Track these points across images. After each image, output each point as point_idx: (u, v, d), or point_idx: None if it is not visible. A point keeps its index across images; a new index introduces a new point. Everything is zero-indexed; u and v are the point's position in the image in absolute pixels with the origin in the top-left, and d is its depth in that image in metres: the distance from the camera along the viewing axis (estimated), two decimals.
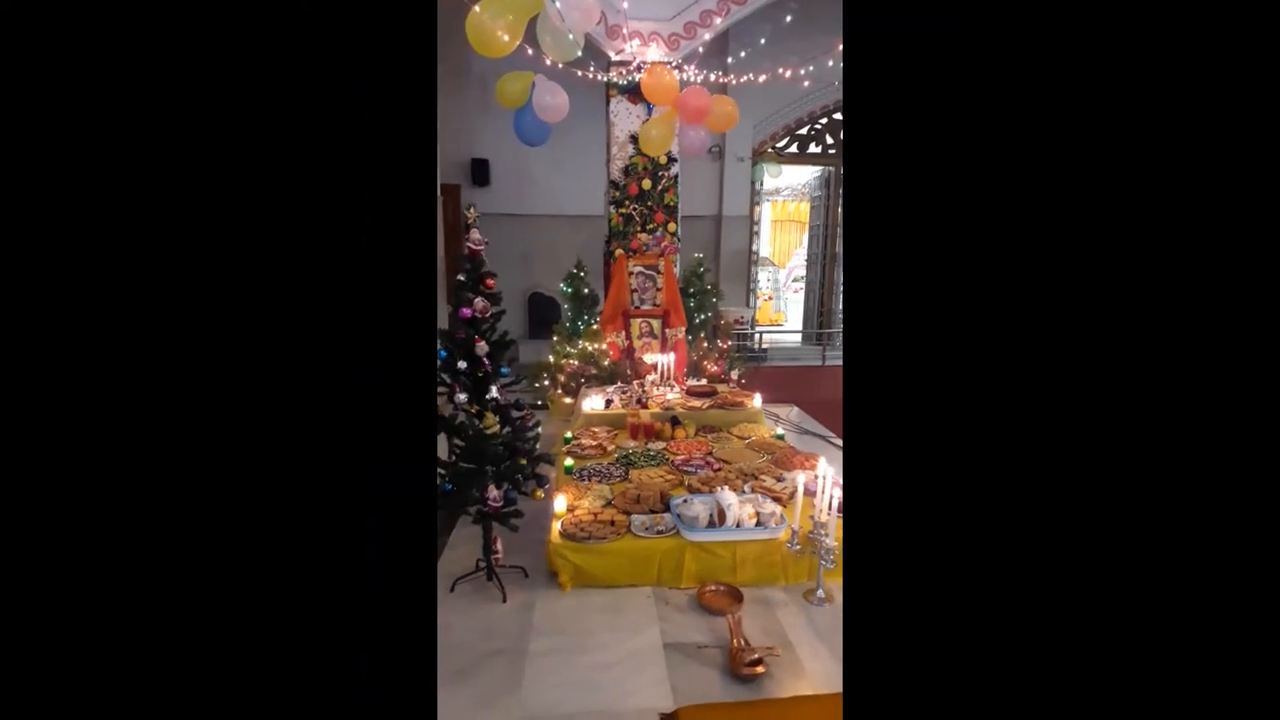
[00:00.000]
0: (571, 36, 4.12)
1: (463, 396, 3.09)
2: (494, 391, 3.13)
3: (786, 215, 13.74)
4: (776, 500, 3.66)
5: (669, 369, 5.89)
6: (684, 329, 6.59)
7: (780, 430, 5.18)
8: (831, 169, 9.83)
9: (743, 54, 7.24)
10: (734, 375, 6.57)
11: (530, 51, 4.58)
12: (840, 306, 10.15)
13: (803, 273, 11.40)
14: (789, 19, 7.32)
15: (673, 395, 5.59)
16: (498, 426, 3.15)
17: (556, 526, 3.33)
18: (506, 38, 3.69)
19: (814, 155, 9.58)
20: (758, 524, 3.28)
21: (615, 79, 6.46)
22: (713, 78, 6.39)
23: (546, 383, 6.41)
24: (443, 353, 3.09)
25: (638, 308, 6.59)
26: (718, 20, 6.35)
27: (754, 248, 9.73)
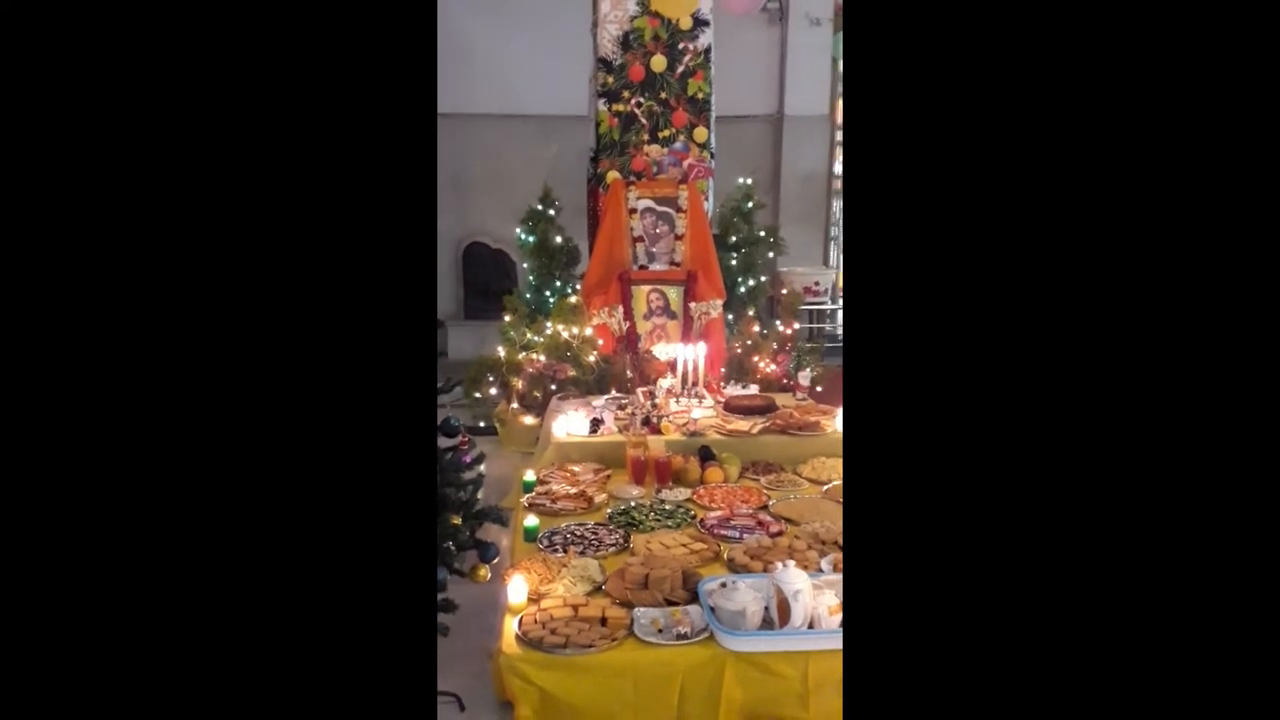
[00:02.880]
0: None
1: None
2: None
3: None
4: None
5: (696, 368, 4.91)
6: (721, 302, 5.61)
7: None
8: None
9: None
10: (804, 379, 5.34)
11: None
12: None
13: None
14: None
15: (702, 411, 4.66)
16: None
17: (512, 627, 2.84)
18: None
19: None
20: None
21: None
22: None
23: (494, 391, 5.46)
24: None
25: (644, 268, 5.66)
26: None
27: (838, 169, 7.83)
